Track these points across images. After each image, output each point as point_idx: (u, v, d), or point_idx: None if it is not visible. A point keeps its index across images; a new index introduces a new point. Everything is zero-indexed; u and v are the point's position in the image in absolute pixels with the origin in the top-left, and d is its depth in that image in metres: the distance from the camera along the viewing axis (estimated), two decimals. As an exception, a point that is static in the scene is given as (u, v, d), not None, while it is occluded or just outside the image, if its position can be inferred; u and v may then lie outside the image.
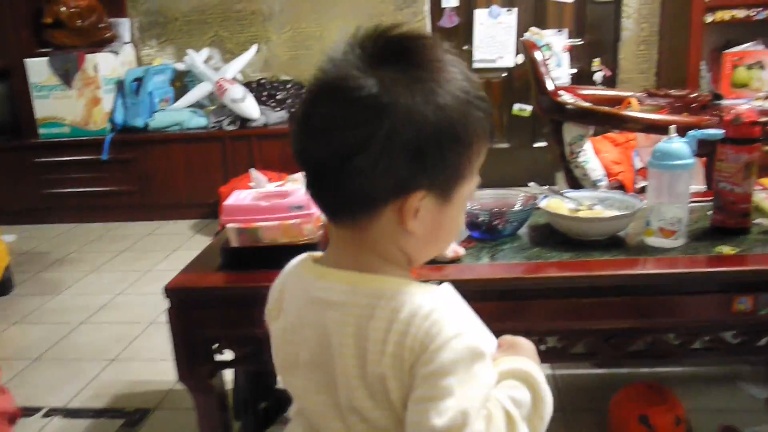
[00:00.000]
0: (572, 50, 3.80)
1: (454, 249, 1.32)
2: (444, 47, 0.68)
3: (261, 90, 3.92)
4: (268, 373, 1.70)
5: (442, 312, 0.67)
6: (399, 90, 0.63)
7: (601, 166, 1.88)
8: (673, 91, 2.30)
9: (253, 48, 3.97)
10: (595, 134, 2.04)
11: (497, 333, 1.31)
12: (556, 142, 1.91)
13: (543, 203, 1.46)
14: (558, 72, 3.72)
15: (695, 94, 2.25)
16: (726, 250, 1.33)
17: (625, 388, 1.65)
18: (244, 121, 3.73)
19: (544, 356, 1.31)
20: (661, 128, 1.40)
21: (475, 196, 1.56)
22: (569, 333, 1.27)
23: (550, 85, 1.84)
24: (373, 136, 0.63)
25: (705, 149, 1.43)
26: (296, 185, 1.46)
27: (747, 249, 1.33)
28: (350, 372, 0.69)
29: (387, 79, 0.64)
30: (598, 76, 3.91)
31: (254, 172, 1.58)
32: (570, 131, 1.85)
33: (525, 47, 1.93)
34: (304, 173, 0.70)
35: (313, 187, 0.70)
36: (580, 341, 1.29)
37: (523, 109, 3.93)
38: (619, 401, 1.64)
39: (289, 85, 3.97)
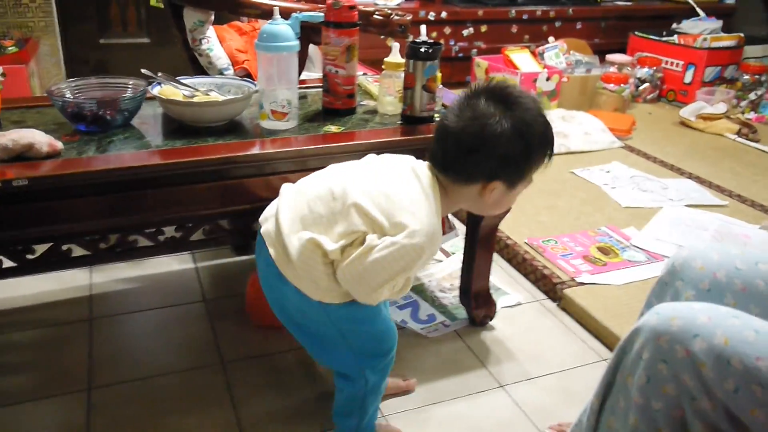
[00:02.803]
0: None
1: (49, 143, 1.18)
2: (527, 93, 1.11)
3: None
4: None
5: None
6: (503, 122, 1.05)
7: (226, 54, 1.85)
8: (299, -17, 2.35)
9: None
10: (220, 22, 1.98)
11: (111, 230, 1.25)
12: (178, 29, 1.81)
13: (155, 90, 1.38)
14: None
15: (319, -13, 2.32)
16: (333, 129, 1.42)
17: (259, 270, 1.73)
18: None
19: (164, 248, 1.29)
20: (280, 14, 1.40)
21: (80, 86, 1.41)
22: (187, 220, 1.26)
23: (164, -34, 1.72)
24: (485, 145, 1.06)
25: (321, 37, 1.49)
26: None
27: (351, 127, 1.44)
28: None
29: (499, 113, 1.05)
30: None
31: None
32: (190, 17, 1.77)
33: None
34: (438, 148, 1.11)
35: (441, 158, 1.10)
36: (198, 228, 1.28)
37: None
38: (253, 282, 1.70)
39: None
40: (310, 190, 1.12)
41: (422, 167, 1.13)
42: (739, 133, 3.23)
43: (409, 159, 1.16)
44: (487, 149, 1.05)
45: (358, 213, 1.06)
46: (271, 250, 1.11)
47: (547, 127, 1.10)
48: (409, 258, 1.04)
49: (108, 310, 1.76)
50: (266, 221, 1.14)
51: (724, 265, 1.02)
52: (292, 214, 1.09)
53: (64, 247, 1.21)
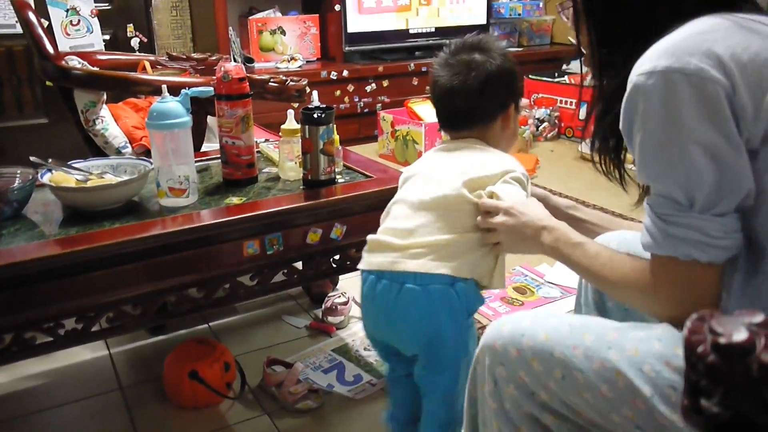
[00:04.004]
0: (102, 15, 3.59)
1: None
2: (494, 39, 1.28)
3: None
4: None
5: None
6: (491, 60, 1.19)
7: (123, 132, 1.82)
8: (194, 55, 2.36)
9: None
10: (115, 100, 1.96)
11: (3, 330, 1.18)
12: (70, 110, 1.78)
13: (45, 178, 1.34)
14: (91, 38, 3.49)
15: (215, 57, 2.34)
16: (235, 200, 1.41)
17: (174, 349, 1.67)
18: None
19: (65, 342, 1.23)
20: (171, 90, 1.40)
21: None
22: (86, 310, 1.21)
23: (50, 49, 1.69)
24: (490, 82, 1.18)
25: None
26: None
27: (254, 196, 1.44)
28: None
29: (483, 56, 1.20)
30: (134, 43, 3.79)
31: None
32: (81, 98, 1.74)
33: (16, 7, 1.73)
34: (452, 112, 1.23)
35: (464, 116, 1.22)
36: (101, 317, 1.23)
37: (56, 79, 3.60)
38: (169, 363, 1.64)
39: None
40: (415, 202, 1.16)
41: (454, 142, 1.24)
42: (634, 163, 3.41)
43: (439, 146, 1.28)
44: (494, 84, 1.19)
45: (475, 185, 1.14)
46: (419, 264, 1.10)
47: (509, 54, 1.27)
48: (525, 183, 1.19)
49: (14, 412, 1.65)
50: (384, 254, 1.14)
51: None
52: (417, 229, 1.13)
53: (-47, 353, 1.14)
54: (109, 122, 1.81)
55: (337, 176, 1.51)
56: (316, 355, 1.84)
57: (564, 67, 4.27)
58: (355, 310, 2.05)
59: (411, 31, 4.09)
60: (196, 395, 1.59)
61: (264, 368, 1.68)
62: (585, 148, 3.57)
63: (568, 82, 4.01)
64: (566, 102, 3.99)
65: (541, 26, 4.66)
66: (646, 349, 0.82)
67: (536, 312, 0.98)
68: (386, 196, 1.47)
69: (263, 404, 1.63)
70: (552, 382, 0.89)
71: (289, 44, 3.85)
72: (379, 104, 3.83)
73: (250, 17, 3.79)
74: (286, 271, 1.45)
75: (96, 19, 3.53)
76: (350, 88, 3.73)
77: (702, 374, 0.48)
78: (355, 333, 1.94)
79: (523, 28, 4.62)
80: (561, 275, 2.18)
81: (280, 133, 1.53)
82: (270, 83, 1.76)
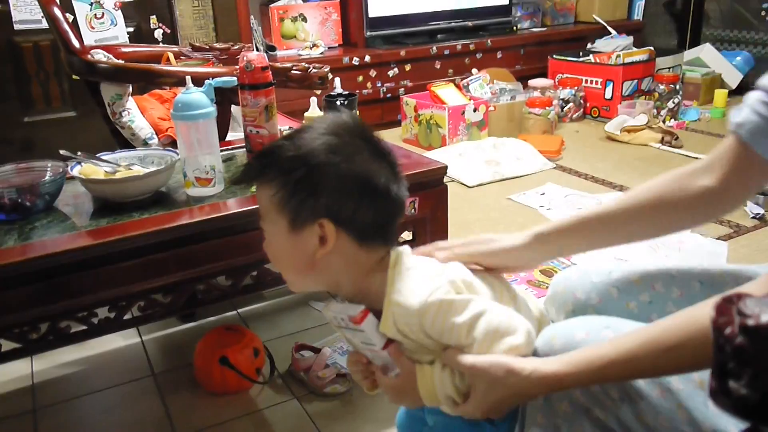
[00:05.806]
0: (126, 7, 3.63)
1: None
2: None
3: None
4: None
5: None
6: None
7: (149, 124, 1.84)
8: (217, 45, 2.37)
9: None
10: (140, 92, 1.98)
11: (39, 320, 1.21)
12: (97, 103, 1.80)
13: (75, 170, 1.37)
14: (115, 31, 3.54)
15: (238, 47, 2.35)
16: (260, 188, 1.42)
17: (204, 336, 1.70)
18: None
19: (98, 330, 1.26)
20: (195, 81, 1.41)
21: (-3, 174, 1.39)
22: (118, 299, 1.23)
23: (76, 43, 1.71)
24: None
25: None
26: None
27: (279, 185, 1.45)
28: None
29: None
30: (158, 34, 3.83)
31: None
32: (108, 91, 1.77)
33: (41, 3, 1.75)
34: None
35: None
36: (132, 306, 1.26)
37: (82, 72, 3.64)
38: (200, 350, 1.67)
39: None
40: None
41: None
42: (662, 142, 3.36)
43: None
44: None
45: None
46: None
47: None
48: None
49: (52, 398, 1.69)
50: None
51: (582, 284, 1.03)
52: None
53: (-7, 343, 1.18)
54: (135, 114, 1.83)
55: (361, 163, 1.51)
56: (344, 339, 1.85)
57: (588, 46, 4.21)
58: (382, 295, 2.06)
59: (433, 14, 4.06)
60: (227, 380, 1.62)
61: (292, 353, 1.70)
62: (611, 127, 3.53)
63: (593, 61, 3.95)
64: (591, 81, 3.94)
65: (565, 5, 4.59)
66: None
67: (590, 323, 0.87)
68: (409, 181, 1.47)
69: (292, 389, 1.65)
70: (609, 402, 0.81)
71: (311, 31, 3.85)
72: (402, 89, 3.82)
73: (271, 5, 3.80)
74: (312, 257, 1.46)
75: (119, 11, 3.57)
76: (372, 73, 3.72)
77: (730, 356, 0.48)
78: (381, 318, 1.96)
79: (547, 7, 4.56)
80: (587, 256, 2.17)
81: (303, 121, 1.53)
82: (292, 71, 1.77)
